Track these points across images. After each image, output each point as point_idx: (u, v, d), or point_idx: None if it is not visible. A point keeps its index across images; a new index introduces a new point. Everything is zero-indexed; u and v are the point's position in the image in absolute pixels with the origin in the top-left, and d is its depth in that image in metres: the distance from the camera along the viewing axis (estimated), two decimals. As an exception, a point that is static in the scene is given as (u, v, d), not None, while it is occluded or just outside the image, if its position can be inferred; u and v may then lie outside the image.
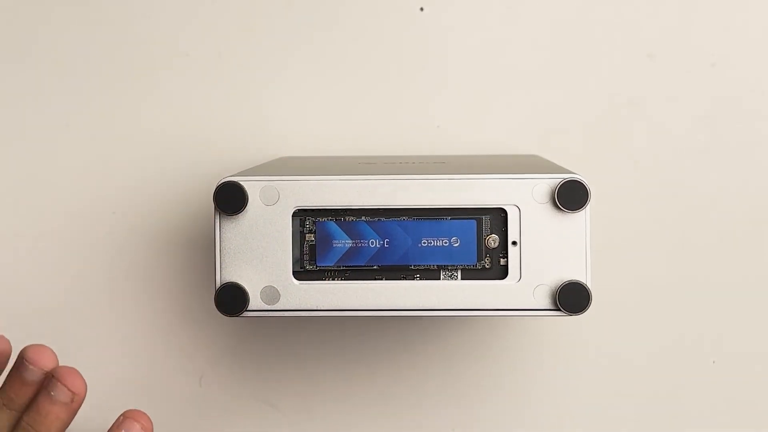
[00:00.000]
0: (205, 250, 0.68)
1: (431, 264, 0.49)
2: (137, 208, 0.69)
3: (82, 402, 0.55)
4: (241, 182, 0.49)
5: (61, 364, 0.56)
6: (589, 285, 0.49)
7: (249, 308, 0.50)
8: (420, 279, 0.50)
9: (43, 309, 0.68)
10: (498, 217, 0.49)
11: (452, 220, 0.49)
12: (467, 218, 0.49)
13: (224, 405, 0.69)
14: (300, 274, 0.50)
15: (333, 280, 0.50)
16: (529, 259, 0.49)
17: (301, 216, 0.50)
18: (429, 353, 0.69)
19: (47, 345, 0.56)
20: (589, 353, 0.68)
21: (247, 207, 0.49)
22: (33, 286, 0.69)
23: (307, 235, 0.50)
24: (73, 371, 0.55)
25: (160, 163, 0.69)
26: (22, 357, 0.55)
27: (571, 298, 0.49)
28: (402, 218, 0.49)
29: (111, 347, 0.69)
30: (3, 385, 0.56)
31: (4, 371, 0.56)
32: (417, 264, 0.50)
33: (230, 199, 0.49)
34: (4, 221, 0.69)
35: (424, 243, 0.49)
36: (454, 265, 0.50)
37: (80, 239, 0.69)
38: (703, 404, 0.68)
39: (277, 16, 0.69)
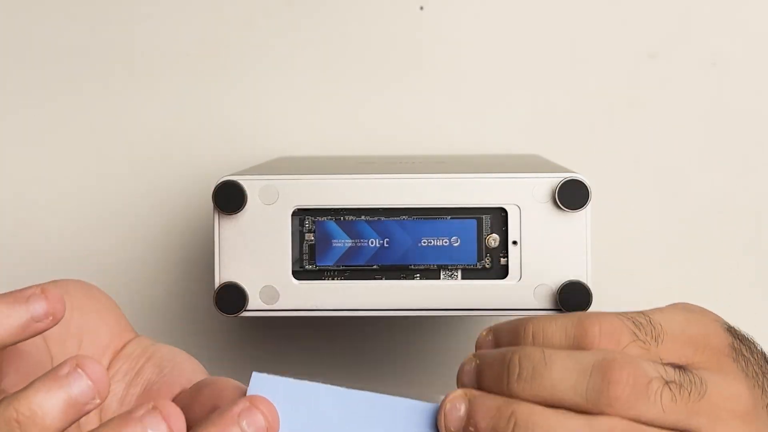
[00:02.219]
0: (204, 250, 0.68)
1: (431, 264, 0.49)
2: (136, 207, 0.69)
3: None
4: (240, 181, 0.49)
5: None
6: (589, 285, 0.49)
7: (248, 308, 0.49)
8: (420, 279, 0.49)
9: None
10: (498, 217, 0.49)
11: (452, 220, 0.49)
12: (467, 218, 0.49)
13: (223, 405, 0.69)
14: (299, 273, 0.50)
15: (333, 279, 0.49)
16: (530, 259, 0.49)
17: (301, 215, 0.49)
18: (429, 353, 0.68)
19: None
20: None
21: (246, 206, 0.49)
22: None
23: (306, 234, 0.50)
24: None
25: (159, 162, 0.69)
26: None
27: (572, 298, 0.48)
28: (402, 218, 0.49)
29: (110, 347, 0.68)
30: None
31: None
32: (417, 264, 0.49)
33: (229, 198, 0.48)
34: (4, 221, 0.69)
35: (424, 242, 0.49)
36: (454, 265, 0.49)
37: (79, 239, 0.69)
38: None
39: (276, 16, 0.69)
